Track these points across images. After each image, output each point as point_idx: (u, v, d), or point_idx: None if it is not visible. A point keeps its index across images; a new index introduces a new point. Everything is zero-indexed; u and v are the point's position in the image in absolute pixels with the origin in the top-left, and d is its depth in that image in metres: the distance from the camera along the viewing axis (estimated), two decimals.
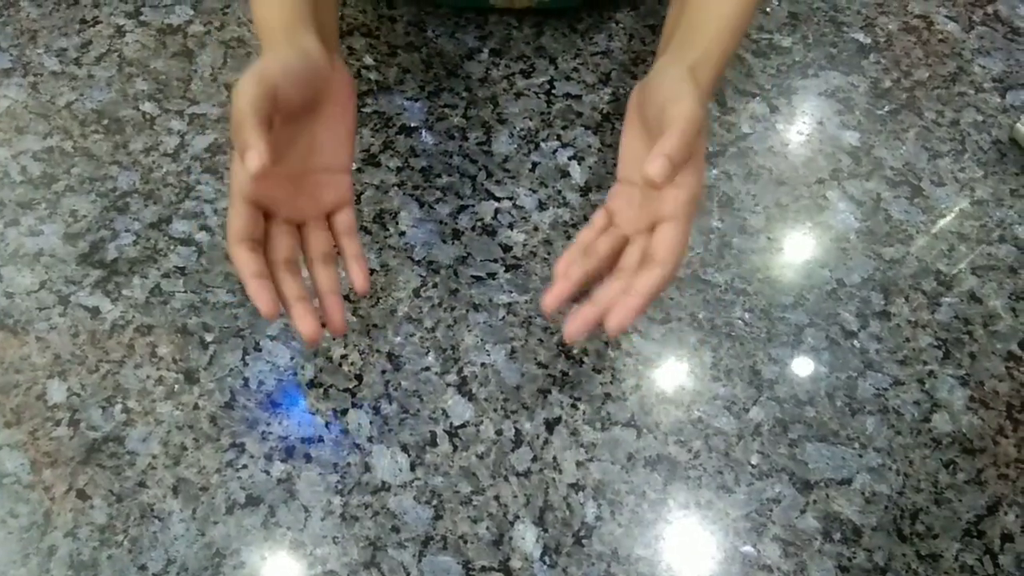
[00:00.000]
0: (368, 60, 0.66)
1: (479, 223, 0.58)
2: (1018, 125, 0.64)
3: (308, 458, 0.49)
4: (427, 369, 0.52)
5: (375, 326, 0.53)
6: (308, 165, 0.42)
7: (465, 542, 0.47)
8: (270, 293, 0.37)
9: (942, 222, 0.61)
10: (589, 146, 0.62)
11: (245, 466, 0.48)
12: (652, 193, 0.40)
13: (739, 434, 0.51)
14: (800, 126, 0.65)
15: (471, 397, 0.51)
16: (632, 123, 0.45)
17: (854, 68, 0.69)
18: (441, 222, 0.58)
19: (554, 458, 0.49)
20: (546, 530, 0.47)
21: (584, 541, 0.47)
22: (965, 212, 0.61)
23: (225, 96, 0.63)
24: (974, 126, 0.66)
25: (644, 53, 0.68)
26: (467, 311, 0.54)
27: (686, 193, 0.38)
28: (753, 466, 0.50)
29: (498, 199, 0.59)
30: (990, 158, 0.64)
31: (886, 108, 0.66)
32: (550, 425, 0.51)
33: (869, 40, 0.71)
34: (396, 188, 0.59)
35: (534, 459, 0.49)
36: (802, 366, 0.54)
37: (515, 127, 0.63)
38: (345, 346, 0.53)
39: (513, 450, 0.50)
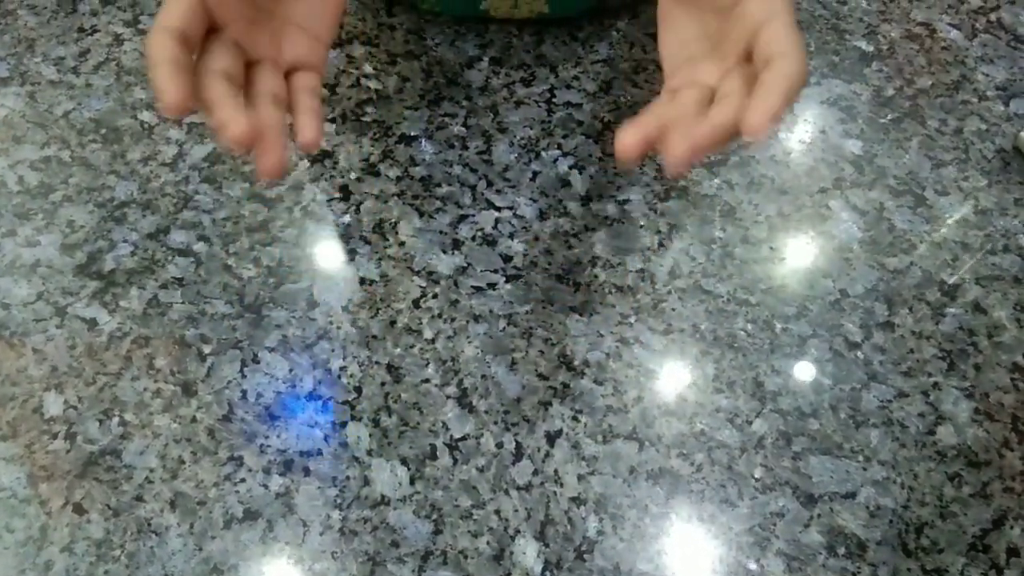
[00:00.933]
0: (367, 68, 0.65)
1: (479, 233, 0.58)
2: (1022, 134, 0.63)
3: (307, 472, 0.48)
4: (427, 381, 0.52)
5: (374, 337, 0.53)
6: (279, 14, 0.37)
7: (465, 557, 0.46)
8: (186, 84, 0.31)
9: (945, 232, 0.60)
10: (590, 155, 0.62)
11: (243, 480, 0.48)
12: (726, 23, 0.34)
13: (742, 447, 0.50)
14: (802, 135, 0.65)
15: (471, 409, 0.51)
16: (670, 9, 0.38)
17: (856, 76, 0.68)
18: (441, 232, 0.58)
19: (555, 471, 0.49)
20: (547, 545, 0.47)
21: (586, 556, 0.47)
22: (969, 221, 0.61)
23: None
24: (978, 135, 0.65)
25: (645, 61, 0.67)
26: (467, 322, 0.54)
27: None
28: (756, 479, 0.49)
29: (498, 209, 0.59)
30: (994, 167, 0.64)
31: (889, 117, 0.66)
32: (551, 438, 0.50)
33: (871, 48, 0.70)
34: (396, 198, 0.59)
35: (535, 472, 0.49)
36: (805, 378, 0.53)
37: (515, 136, 0.62)
38: (344, 358, 0.52)
39: (514, 463, 0.49)
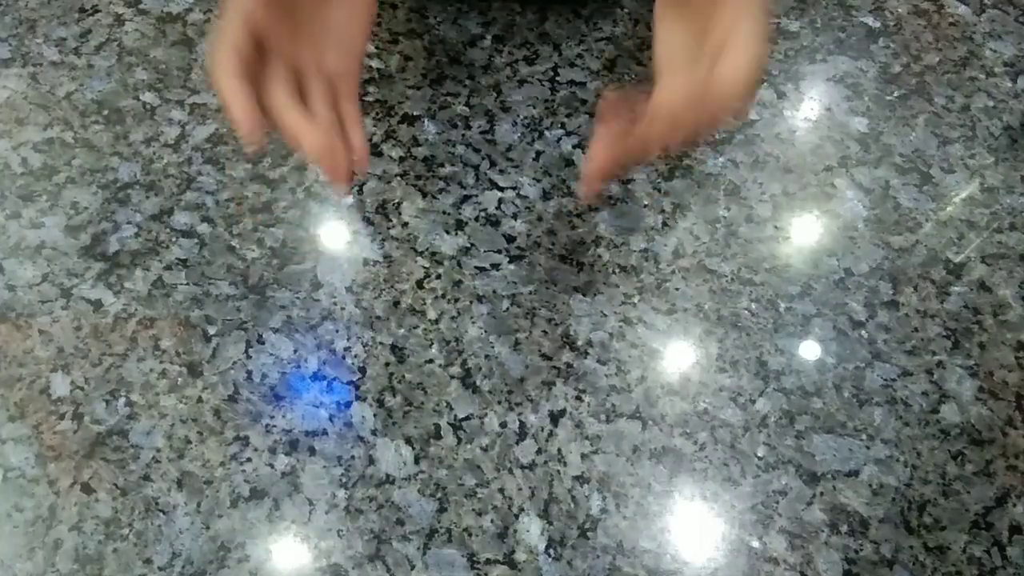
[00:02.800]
0: (369, 48, 0.65)
1: (482, 213, 0.58)
2: None
3: (312, 451, 0.49)
4: (431, 361, 0.52)
5: (378, 318, 0.53)
6: (318, 28, 0.39)
7: (470, 535, 0.47)
8: (257, 112, 0.34)
9: (951, 210, 0.60)
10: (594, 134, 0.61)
11: (249, 459, 0.48)
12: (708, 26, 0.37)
13: (745, 426, 0.50)
14: (808, 112, 0.64)
15: (475, 389, 0.51)
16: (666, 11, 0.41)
17: (863, 53, 0.68)
18: (444, 212, 0.57)
19: (559, 450, 0.49)
20: (551, 523, 0.47)
21: (589, 534, 0.47)
22: (975, 199, 0.60)
23: None
24: (985, 112, 0.65)
25: (650, 39, 0.66)
26: (471, 302, 0.54)
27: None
28: (759, 458, 0.50)
29: (502, 189, 0.59)
30: (1001, 144, 0.63)
31: (895, 94, 0.65)
32: (555, 417, 0.50)
33: (878, 24, 0.70)
34: (399, 178, 0.59)
35: (539, 452, 0.49)
36: (809, 357, 0.53)
37: (519, 115, 0.62)
38: (348, 338, 0.52)
39: (518, 443, 0.49)
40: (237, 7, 0.35)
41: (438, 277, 0.55)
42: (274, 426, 0.49)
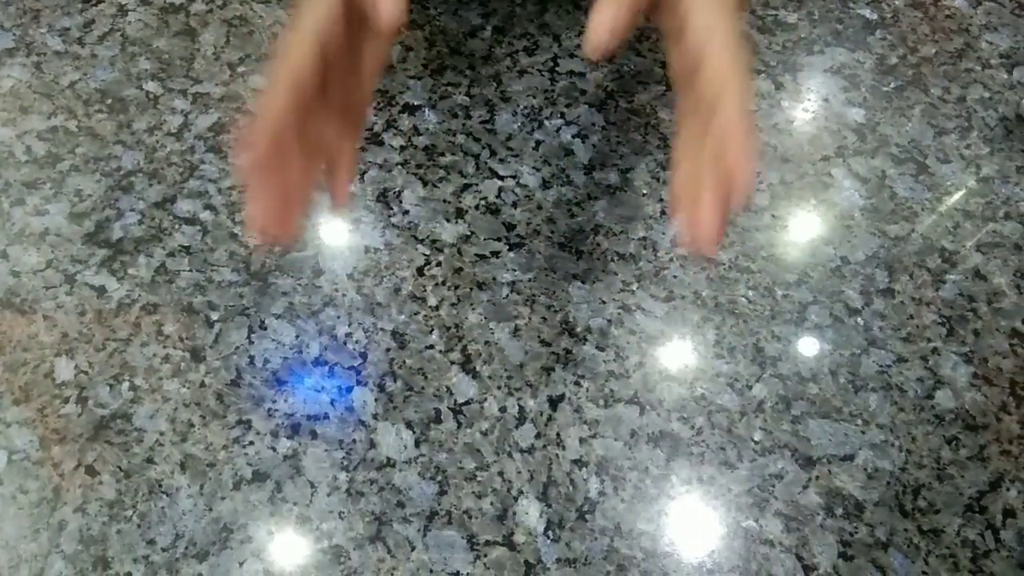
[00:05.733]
0: None
1: (483, 202, 0.58)
2: None
3: (314, 435, 0.49)
4: (431, 347, 0.52)
5: (379, 304, 0.54)
6: (348, 52, 0.39)
7: (469, 517, 0.47)
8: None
9: (947, 199, 0.60)
10: (593, 124, 0.62)
11: (252, 443, 0.49)
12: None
13: (742, 411, 0.51)
14: (805, 103, 0.65)
15: (475, 375, 0.52)
16: (683, 94, 0.40)
17: (860, 44, 0.68)
18: (445, 201, 0.58)
19: (557, 435, 0.50)
20: (549, 505, 0.48)
21: (587, 516, 0.47)
22: (971, 189, 0.61)
23: (228, 75, 0.63)
24: (980, 103, 0.65)
25: (649, 30, 0.67)
26: (471, 289, 0.55)
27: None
28: (756, 442, 0.50)
29: (501, 178, 0.59)
30: (996, 135, 0.64)
31: (892, 85, 0.66)
32: (554, 402, 0.51)
33: (875, 16, 0.70)
34: (399, 167, 0.59)
35: (538, 436, 0.50)
36: (805, 343, 0.54)
37: (519, 105, 0.63)
38: (349, 324, 0.53)
39: (517, 427, 0.50)
40: (306, 25, 0.34)
41: (438, 264, 0.55)
42: (276, 410, 0.50)
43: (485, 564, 0.46)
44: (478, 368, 0.52)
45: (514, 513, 0.47)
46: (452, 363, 0.52)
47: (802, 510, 0.48)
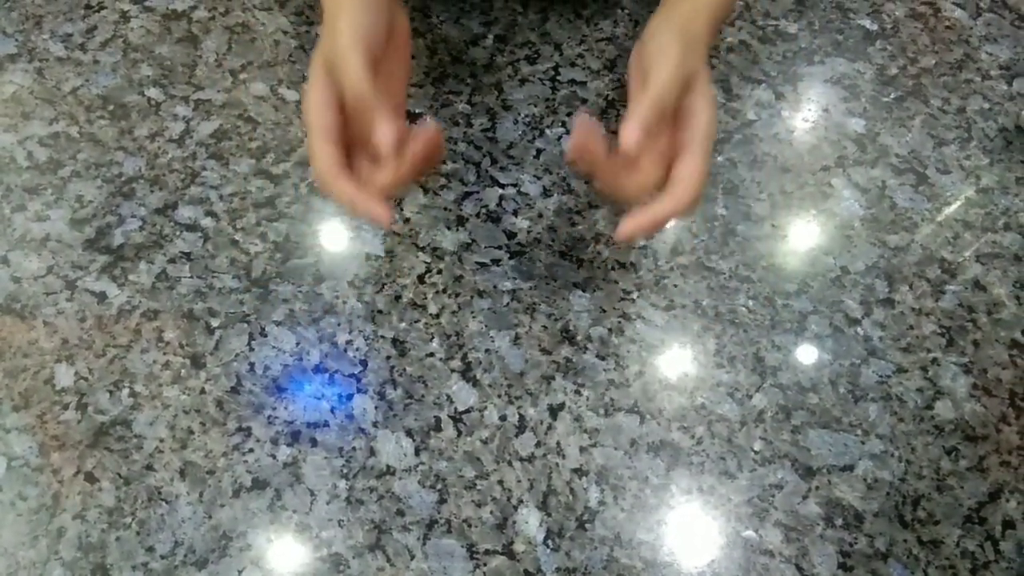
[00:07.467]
0: None
1: (483, 210, 0.58)
2: None
3: (314, 442, 0.49)
4: (432, 355, 0.52)
5: (380, 312, 0.54)
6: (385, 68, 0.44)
7: (469, 526, 0.47)
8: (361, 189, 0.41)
9: (947, 210, 0.61)
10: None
11: (251, 450, 0.49)
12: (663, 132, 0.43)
13: (742, 420, 0.51)
14: (806, 113, 0.65)
15: (475, 383, 0.52)
16: (634, 80, 0.47)
17: (860, 55, 0.69)
18: (446, 209, 0.58)
19: (557, 443, 0.50)
20: (549, 514, 0.48)
21: (587, 525, 0.47)
22: (970, 200, 0.61)
23: (229, 82, 0.63)
24: (980, 113, 0.66)
25: None
26: (471, 297, 0.55)
27: (700, 131, 0.42)
28: (756, 452, 0.50)
29: (502, 186, 0.59)
30: (996, 146, 0.64)
31: (892, 95, 0.66)
32: (554, 411, 0.51)
33: (876, 27, 0.70)
34: None
35: (538, 444, 0.50)
36: (805, 353, 0.54)
37: (520, 113, 0.63)
38: (350, 332, 0.53)
39: (517, 435, 0.50)
40: (351, 74, 0.40)
41: (439, 272, 0.56)
42: (276, 417, 0.50)
43: (485, 573, 0.46)
44: (478, 376, 0.52)
45: (514, 522, 0.47)
46: (452, 371, 0.52)
47: (802, 520, 0.48)
